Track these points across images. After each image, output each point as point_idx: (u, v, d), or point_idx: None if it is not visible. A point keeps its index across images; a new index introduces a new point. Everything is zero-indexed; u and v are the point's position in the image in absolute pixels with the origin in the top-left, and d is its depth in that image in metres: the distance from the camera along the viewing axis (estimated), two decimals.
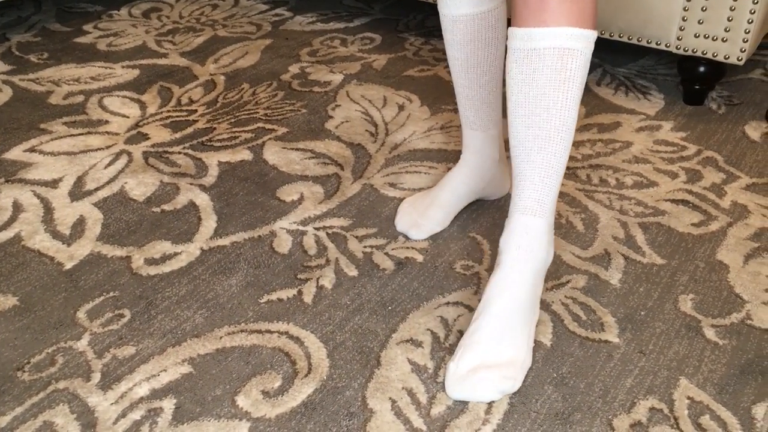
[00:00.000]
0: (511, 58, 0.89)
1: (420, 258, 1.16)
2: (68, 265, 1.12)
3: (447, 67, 1.78)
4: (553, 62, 0.86)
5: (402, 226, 1.20)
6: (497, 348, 0.91)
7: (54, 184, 1.31)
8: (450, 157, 1.42)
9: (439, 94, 1.65)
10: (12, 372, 0.94)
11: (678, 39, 1.55)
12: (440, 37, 1.94)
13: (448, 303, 1.07)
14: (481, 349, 0.91)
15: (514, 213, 0.93)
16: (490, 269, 1.14)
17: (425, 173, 1.37)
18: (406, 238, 1.19)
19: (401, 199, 1.29)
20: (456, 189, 1.20)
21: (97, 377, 0.93)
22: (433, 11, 2.10)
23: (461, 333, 1.01)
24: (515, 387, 0.91)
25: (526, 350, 0.93)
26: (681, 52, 1.56)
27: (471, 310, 1.06)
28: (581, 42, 0.86)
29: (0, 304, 1.04)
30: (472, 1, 1.05)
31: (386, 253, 1.17)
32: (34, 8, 2.05)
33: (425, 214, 1.20)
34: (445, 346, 0.99)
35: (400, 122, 1.54)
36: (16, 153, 1.40)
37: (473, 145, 1.18)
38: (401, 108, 1.60)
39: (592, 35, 0.87)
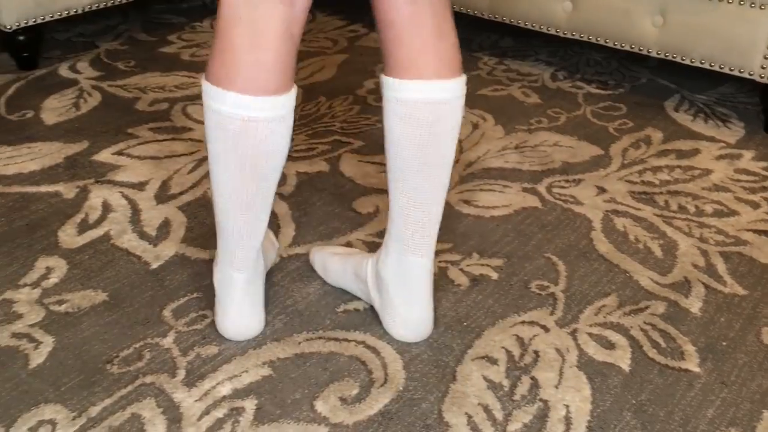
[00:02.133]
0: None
1: (495, 276, 1.16)
2: (154, 265, 1.16)
3: (521, 87, 1.79)
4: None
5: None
6: None
7: (141, 186, 1.36)
8: (524, 176, 1.42)
9: (514, 114, 1.66)
10: (102, 364, 0.98)
11: (762, 68, 1.52)
12: (514, 57, 1.95)
13: (523, 322, 1.07)
14: None
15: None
16: (566, 290, 1.13)
17: (499, 191, 1.38)
18: (479, 255, 1.20)
19: (476, 216, 1.30)
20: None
21: (182, 374, 0.97)
22: (508, 32, 2.11)
23: (537, 353, 1.01)
24: None
25: None
26: (765, 80, 1.53)
27: (547, 330, 1.06)
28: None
29: (91, 299, 1.09)
30: None
31: (461, 269, 1.18)
32: (121, 17, 2.14)
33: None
34: (520, 366, 0.99)
35: (475, 140, 1.55)
36: (105, 155, 1.46)
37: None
38: (475, 126, 1.61)
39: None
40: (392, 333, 1.03)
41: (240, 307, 1.00)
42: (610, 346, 1.03)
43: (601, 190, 1.39)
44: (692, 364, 1.00)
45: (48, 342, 1.01)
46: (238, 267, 0.98)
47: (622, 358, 1.01)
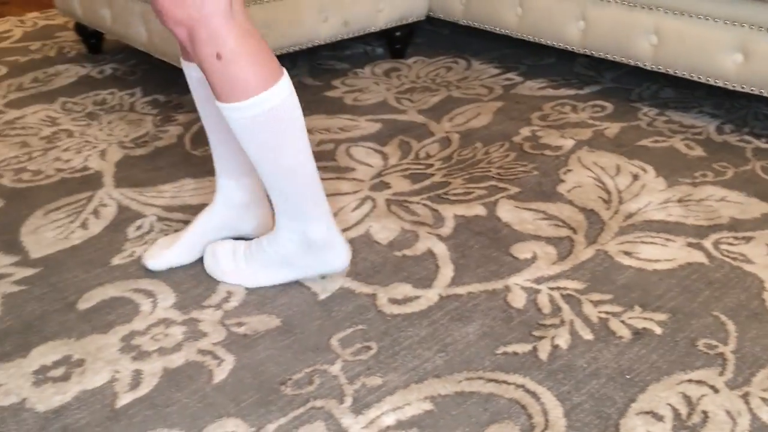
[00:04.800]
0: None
1: (658, 330, 1.14)
2: (322, 296, 1.24)
3: (684, 139, 1.75)
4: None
5: (144, 258, 1.32)
6: None
7: None
8: (689, 231, 1.39)
9: (676, 167, 1.62)
10: (276, 385, 1.05)
11: None
12: (676, 109, 1.91)
13: (690, 380, 1.04)
14: None
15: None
16: (737, 351, 1.09)
17: (662, 245, 1.35)
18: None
19: (638, 269, 1.28)
20: (197, 226, 1.32)
21: (349, 401, 1.02)
22: (669, 82, 2.07)
23: (705, 413, 0.98)
24: None
25: None
26: None
27: (716, 391, 1.02)
28: (234, 113, 1.08)
29: (266, 323, 1.17)
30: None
31: (622, 321, 1.16)
32: (290, 64, 2.30)
33: (169, 248, 1.31)
34: (688, 425, 0.97)
35: (635, 192, 1.54)
36: None
37: (218, 189, 1.32)
38: (635, 177, 1.59)
39: (238, 106, 1.07)
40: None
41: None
42: None
43: None
44: None
45: (229, 360, 1.10)
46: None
47: None
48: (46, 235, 1.42)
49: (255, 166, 1.14)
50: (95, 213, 1.49)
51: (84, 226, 1.45)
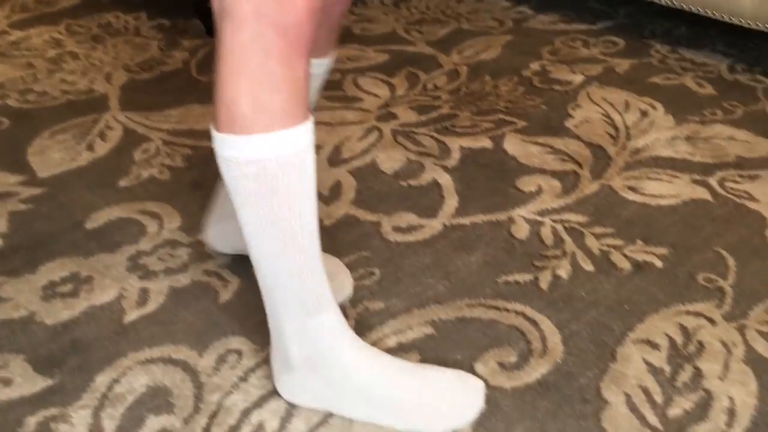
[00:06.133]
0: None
1: (659, 264, 1.15)
2: (327, 223, 1.25)
3: (695, 77, 1.73)
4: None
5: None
6: None
7: (316, 150, 1.45)
8: (695, 168, 1.38)
9: (686, 105, 1.61)
10: None
11: None
12: (688, 46, 1.88)
13: (688, 312, 1.06)
14: None
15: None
16: (736, 286, 1.10)
17: (668, 181, 1.35)
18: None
19: (642, 204, 1.29)
20: None
21: (351, 323, 1.04)
22: (682, 20, 2.03)
23: (701, 344, 1.00)
24: None
25: None
26: None
27: (714, 323, 1.04)
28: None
29: None
30: None
31: (624, 254, 1.17)
32: None
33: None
34: (684, 354, 0.99)
35: (643, 128, 1.53)
36: None
37: None
38: (644, 114, 1.58)
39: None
40: None
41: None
42: None
43: None
44: None
45: (235, 282, 1.11)
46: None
47: None
48: (52, 155, 1.43)
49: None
50: (101, 135, 1.49)
51: (90, 148, 1.45)
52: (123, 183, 1.34)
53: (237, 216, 0.80)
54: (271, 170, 0.75)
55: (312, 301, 0.84)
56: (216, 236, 1.11)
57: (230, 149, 0.75)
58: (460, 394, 0.89)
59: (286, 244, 0.79)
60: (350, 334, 0.88)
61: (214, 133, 0.76)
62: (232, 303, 1.08)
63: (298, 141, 0.76)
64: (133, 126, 1.53)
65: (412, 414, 0.87)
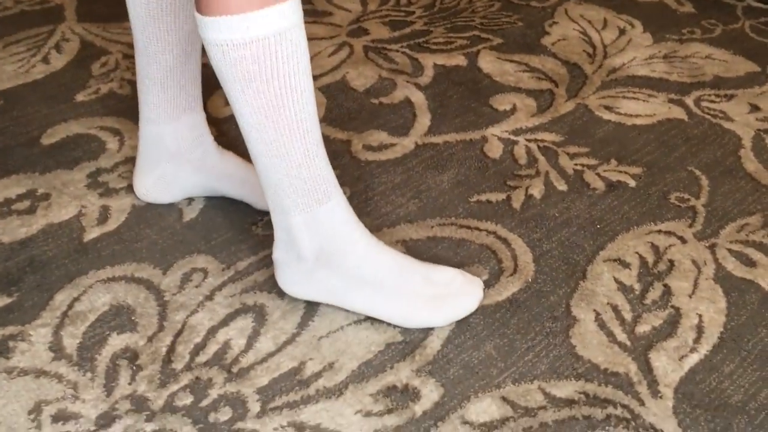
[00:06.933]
0: None
1: (632, 183, 1.14)
2: None
3: None
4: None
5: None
6: None
7: None
8: (671, 87, 1.36)
9: (664, 23, 1.57)
10: (248, 225, 1.04)
11: None
12: None
13: (660, 231, 1.05)
14: None
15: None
16: (708, 205, 1.10)
17: (643, 100, 1.33)
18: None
19: (617, 123, 1.26)
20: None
21: None
22: None
23: (672, 262, 1.00)
24: None
25: None
26: None
27: (684, 242, 1.03)
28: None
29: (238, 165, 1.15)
30: None
31: (597, 174, 1.16)
32: None
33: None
34: (653, 272, 0.98)
35: (620, 46, 1.49)
36: None
37: None
38: (622, 32, 1.54)
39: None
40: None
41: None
42: (750, 263, 1.00)
43: (755, 108, 1.31)
44: None
45: (199, 200, 1.08)
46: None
47: (763, 277, 0.98)
48: (5, 68, 1.35)
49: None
50: (57, 47, 1.42)
51: (45, 60, 1.38)
52: (81, 97, 1.28)
53: (234, 109, 0.77)
54: (271, 49, 0.72)
55: (320, 187, 0.83)
56: (151, 187, 1.05)
57: (225, 31, 0.70)
58: (463, 286, 0.91)
59: (291, 130, 0.78)
60: (360, 225, 0.88)
61: (202, 19, 0.71)
62: (197, 221, 1.04)
63: (292, 15, 0.73)
64: (90, 38, 1.45)
65: (418, 306, 0.88)
